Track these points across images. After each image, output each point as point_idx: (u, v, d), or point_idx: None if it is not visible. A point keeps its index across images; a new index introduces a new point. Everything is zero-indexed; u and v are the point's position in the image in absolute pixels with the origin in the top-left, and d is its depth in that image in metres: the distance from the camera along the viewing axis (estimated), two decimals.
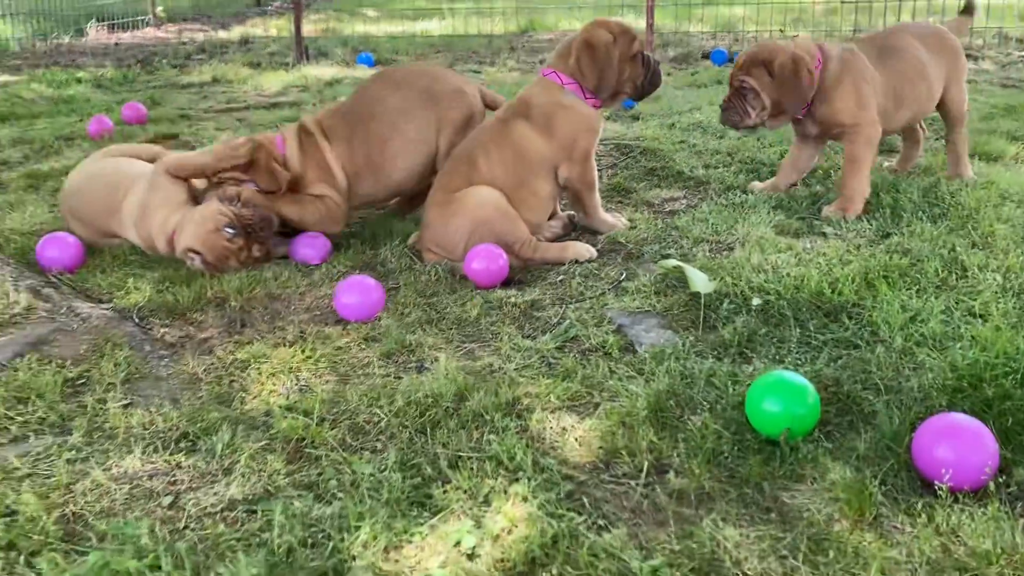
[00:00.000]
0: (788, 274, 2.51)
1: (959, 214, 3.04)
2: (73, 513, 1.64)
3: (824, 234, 2.95)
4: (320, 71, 7.21)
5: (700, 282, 2.40)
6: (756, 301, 2.34)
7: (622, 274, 2.75)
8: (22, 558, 1.51)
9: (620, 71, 3.02)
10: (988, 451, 1.61)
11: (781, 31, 8.31)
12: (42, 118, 5.63)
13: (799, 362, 2.10)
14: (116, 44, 9.53)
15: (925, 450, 1.63)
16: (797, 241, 2.86)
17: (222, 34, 10.12)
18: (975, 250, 2.72)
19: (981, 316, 2.29)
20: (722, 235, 2.96)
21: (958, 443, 1.60)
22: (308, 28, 8.86)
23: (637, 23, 8.91)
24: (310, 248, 3.01)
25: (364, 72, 7.18)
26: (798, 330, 2.25)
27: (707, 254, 2.80)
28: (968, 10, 3.64)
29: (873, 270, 2.53)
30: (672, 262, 2.58)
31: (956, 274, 2.56)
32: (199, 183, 3.11)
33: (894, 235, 2.88)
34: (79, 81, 7.07)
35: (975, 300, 2.37)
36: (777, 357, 2.13)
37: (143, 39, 10.05)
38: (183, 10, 12.37)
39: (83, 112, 5.75)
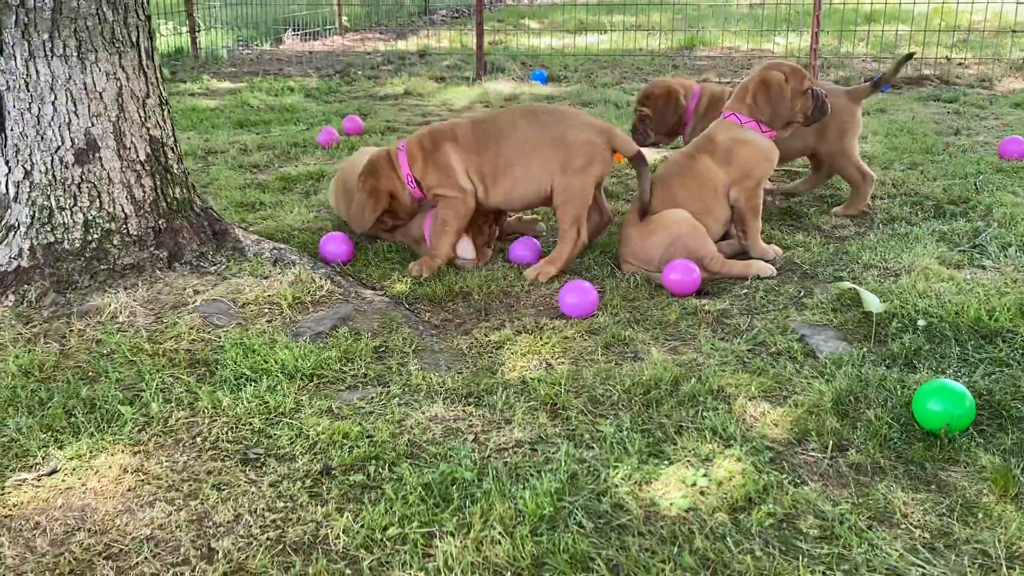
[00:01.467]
0: (950, 301, 2.93)
1: None
2: (409, 440, 2.33)
3: (983, 267, 3.33)
4: (499, 87, 7.94)
5: (872, 303, 2.87)
6: (921, 322, 2.79)
7: (800, 291, 3.25)
8: (386, 466, 2.21)
9: (792, 105, 3.55)
10: None
11: (948, 58, 8.38)
12: (273, 125, 6.60)
13: (958, 375, 2.55)
14: (310, 53, 10.66)
15: None
16: (958, 272, 3.26)
17: (400, 45, 11.08)
18: None
19: None
20: (889, 263, 3.40)
21: None
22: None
23: (800, 41, 9.18)
24: (526, 250, 3.66)
25: (539, 89, 7.85)
26: (958, 348, 2.68)
27: (876, 278, 3.25)
28: (874, 84, 3.96)
29: None
30: (846, 284, 3.06)
31: None
32: None
33: None
34: (291, 90, 8.11)
35: None
36: (939, 369, 2.58)
37: (332, 48, 11.16)
38: (359, 18, 13.52)
39: (305, 121, 6.69)
